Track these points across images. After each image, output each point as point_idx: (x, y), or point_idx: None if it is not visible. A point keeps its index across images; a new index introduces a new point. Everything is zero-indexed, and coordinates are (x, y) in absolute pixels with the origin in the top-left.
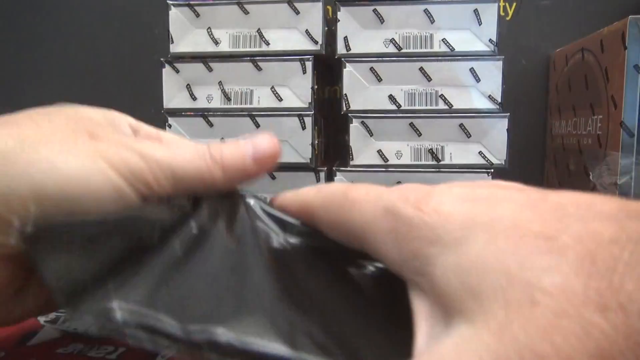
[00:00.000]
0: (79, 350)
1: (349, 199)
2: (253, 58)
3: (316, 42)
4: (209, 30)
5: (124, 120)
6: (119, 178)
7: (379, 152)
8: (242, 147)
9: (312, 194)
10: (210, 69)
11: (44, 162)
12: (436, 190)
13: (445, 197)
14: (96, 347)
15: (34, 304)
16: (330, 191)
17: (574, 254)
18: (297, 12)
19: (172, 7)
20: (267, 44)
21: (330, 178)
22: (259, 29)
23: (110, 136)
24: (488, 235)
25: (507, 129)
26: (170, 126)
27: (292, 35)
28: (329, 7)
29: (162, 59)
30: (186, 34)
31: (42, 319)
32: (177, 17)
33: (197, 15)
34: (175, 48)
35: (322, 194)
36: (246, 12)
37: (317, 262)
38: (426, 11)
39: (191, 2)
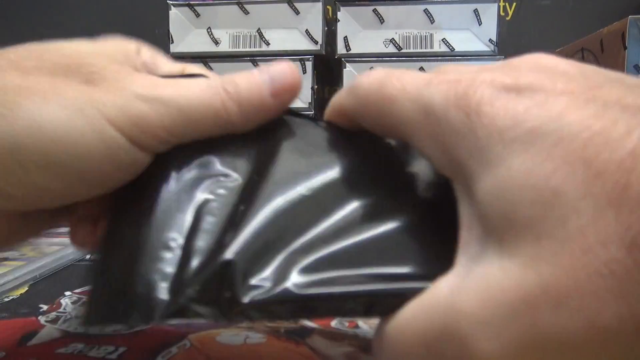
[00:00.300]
0: (79, 350)
1: (386, 96)
2: (253, 58)
3: (316, 42)
4: (209, 30)
5: (136, 52)
6: (117, 132)
7: None
8: (257, 78)
9: (344, 96)
10: (210, 69)
11: (25, 119)
12: (480, 78)
13: (488, 89)
14: (96, 347)
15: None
16: (364, 89)
17: (611, 181)
18: (297, 12)
19: (172, 7)
20: (267, 44)
21: None
22: (259, 29)
23: (111, 78)
24: (534, 148)
25: None
26: None
27: (292, 35)
28: (329, 7)
29: None
30: (186, 34)
31: (42, 319)
32: (177, 17)
33: (197, 15)
34: (175, 48)
35: (355, 94)
36: (246, 12)
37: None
38: (426, 11)
39: (191, 2)
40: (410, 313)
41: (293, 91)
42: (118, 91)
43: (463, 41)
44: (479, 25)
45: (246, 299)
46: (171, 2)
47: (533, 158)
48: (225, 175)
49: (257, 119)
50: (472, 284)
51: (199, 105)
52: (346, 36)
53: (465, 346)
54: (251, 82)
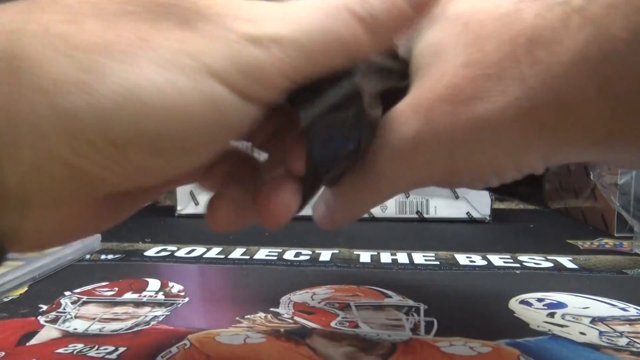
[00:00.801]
0: (78, 350)
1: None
2: None
3: None
4: None
5: None
6: (226, 89)
7: None
8: None
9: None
10: None
11: (111, 86)
12: None
13: None
14: (96, 347)
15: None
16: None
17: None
18: None
19: None
20: None
21: None
22: None
23: (212, 15)
24: (448, 24)
25: None
26: None
27: None
28: None
29: None
30: None
31: (41, 319)
32: None
33: None
34: None
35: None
36: None
37: None
38: None
39: None
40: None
41: None
42: (223, 34)
43: None
44: None
45: None
46: None
47: (440, 30)
48: None
49: (390, 37)
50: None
51: (324, 41)
52: None
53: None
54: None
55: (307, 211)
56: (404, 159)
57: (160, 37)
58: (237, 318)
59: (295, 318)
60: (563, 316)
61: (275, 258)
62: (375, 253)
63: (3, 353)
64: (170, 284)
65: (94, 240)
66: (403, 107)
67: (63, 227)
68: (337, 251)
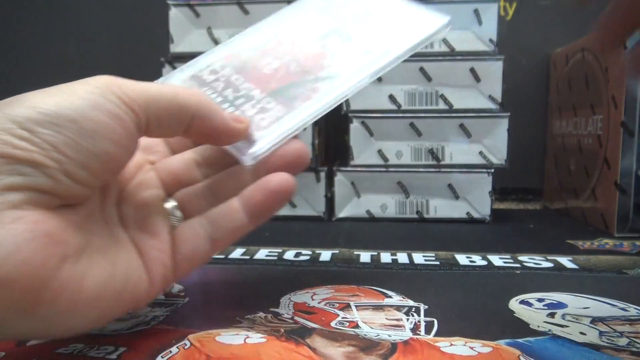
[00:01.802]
0: (78, 350)
1: None
2: None
3: None
4: (209, 30)
5: None
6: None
7: (379, 152)
8: None
9: None
10: None
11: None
12: None
13: None
14: (96, 347)
15: None
16: None
17: None
18: None
19: (172, 7)
20: None
21: (330, 178)
22: None
23: None
24: None
25: (508, 129)
26: None
27: None
28: None
29: (162, 59)
30: (186, 34)
31: None
32: (177, 17)
33: (197, 15)
34: (175, 48)
35: None
36: (246, 12)
37: None
38: None
39: (191, 2)
40: None
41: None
42: None
43: (463, 41)
44: (479, 25)
45: None
46: (171, 2)
47: None
48: None
49: None
50: None
51: None
52: None
53: None
54: None
55: (307, 212)
56: None
57: None
58: (237, 318)
59: (295, 318)
60: (563, 316)
61: (276, 258)
62: (375, 253)
63: (3, 353)
64: (171, 284)
65: None
66: None
67: None
68: (337, 251)
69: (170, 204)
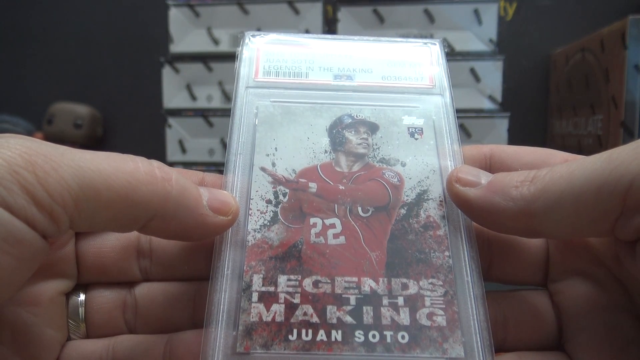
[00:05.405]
0: None
1: None
2: None
3: None
4: (209, 30)
5: None
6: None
7: None
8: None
9: None
10: (210, 69)
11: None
12: None
13: None
14: None
15: None
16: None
17: None
18: (297, 12)
19: (172, 7)
20: None
21: None
22: (259, 29)
23: None
24: None
25: (508, 129)
26: (170, 126)
27: None
28: (329, 7)
29: (162, 59)
30: (186, 34)
31: None
32: (177, 17)
33: (197, 15)
34: (175, 48)
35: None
36: (246, 12)
37: None
38: (426, 11)
39: (191, 2)
40: None
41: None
42: None
43: (463, 41)
44: (479, 25)
45: None
46: (171, 2)
47: None
48: None
49: None
50: None
51: None
52: None
53: None
54: None
55: None
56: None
57: None
58: None
59: None
60: None
61: None
62: None
63: None
64: None
65: None
66: None
67: None
68: None
69: (78, 298)
